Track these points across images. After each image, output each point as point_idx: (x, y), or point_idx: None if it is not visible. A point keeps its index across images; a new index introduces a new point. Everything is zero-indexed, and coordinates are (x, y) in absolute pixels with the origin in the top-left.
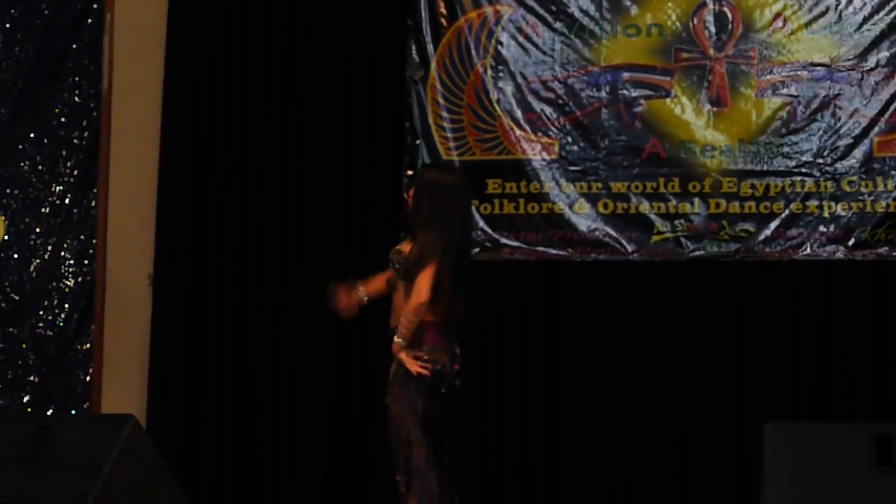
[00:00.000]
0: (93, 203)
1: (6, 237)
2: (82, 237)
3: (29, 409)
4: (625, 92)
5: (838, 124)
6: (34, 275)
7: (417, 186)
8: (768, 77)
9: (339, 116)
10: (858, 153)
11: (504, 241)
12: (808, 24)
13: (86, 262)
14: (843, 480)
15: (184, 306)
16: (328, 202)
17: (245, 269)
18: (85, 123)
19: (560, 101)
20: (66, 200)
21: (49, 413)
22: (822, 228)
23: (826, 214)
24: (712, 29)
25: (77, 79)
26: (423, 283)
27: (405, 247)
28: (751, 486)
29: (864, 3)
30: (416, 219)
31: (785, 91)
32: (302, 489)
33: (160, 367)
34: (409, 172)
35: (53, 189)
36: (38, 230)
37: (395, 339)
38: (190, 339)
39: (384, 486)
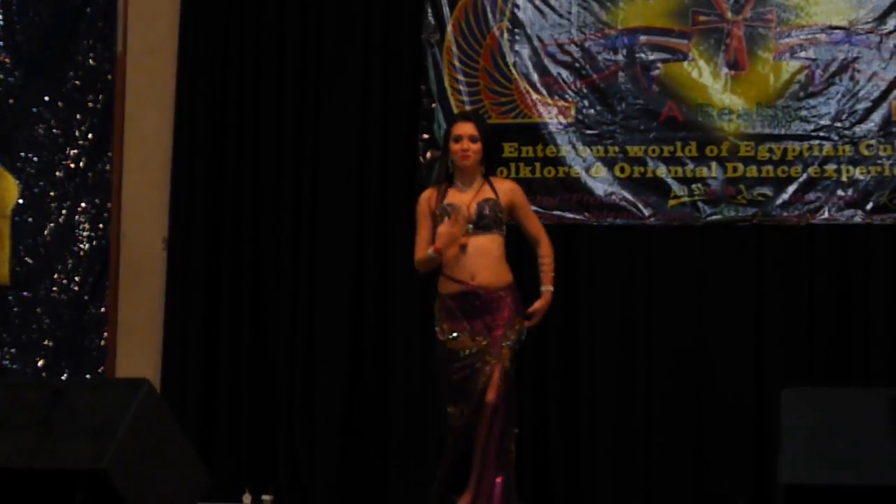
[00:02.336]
0: (107, 167)
1: (20, 201)
2: (97, 201)
3: (43, 374)
4: (642, 55)
5: (856, 87)
6: (49, 239)
7: (486, 131)
8: (786, 40)
9: (356, 79)
10: (877, 117)
11: None
12: None
13: (100, 225)
14: (860, 445)
15: (199, 270)
16: (344, 164)
17: (260, 233)
18: (99, 86)
19: (577, 65)
20: (81, 164)
21: (63, 377)
22: (840, 192)
23: (844, 178)
24: None
25: (91, 42)
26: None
27: (487, 194)
28: (768, 451)
29: None
30: (488, 164)
31: (803, 54)
32: (318, 453)
33: (175, 331)
34: (426, 136)
35: (68, 152)
36: (52, 194)
37: (551, 287)
38: (205, 303)
39: (400, 448)
